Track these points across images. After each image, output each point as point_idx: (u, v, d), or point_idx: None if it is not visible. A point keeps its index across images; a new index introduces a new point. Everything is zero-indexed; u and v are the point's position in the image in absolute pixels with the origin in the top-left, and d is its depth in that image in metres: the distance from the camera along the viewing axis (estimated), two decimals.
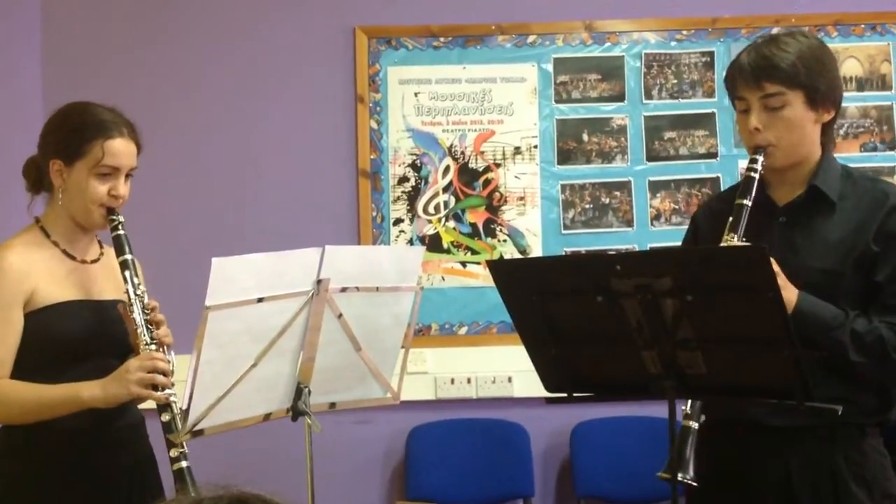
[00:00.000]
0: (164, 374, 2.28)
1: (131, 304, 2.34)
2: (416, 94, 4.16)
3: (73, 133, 2.37)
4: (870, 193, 2.27)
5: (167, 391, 2.27)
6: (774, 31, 3.76)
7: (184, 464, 2.21)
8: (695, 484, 2.03)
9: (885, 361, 2.16)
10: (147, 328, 2.33)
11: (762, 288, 1.92)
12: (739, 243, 2.22)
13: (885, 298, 2.20)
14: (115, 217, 2.40)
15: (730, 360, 2.03)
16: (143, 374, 2.25)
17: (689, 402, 2.20)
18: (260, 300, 2.21)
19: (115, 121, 2.40)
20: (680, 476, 2.02)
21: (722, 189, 2.35)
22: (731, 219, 2.23)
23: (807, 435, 2.20)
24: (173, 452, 2.21)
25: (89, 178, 2.36)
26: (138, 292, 2.36)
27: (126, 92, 3.88)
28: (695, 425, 2.07)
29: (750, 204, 2.22)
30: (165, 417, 2.26)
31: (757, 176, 2.24)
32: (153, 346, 2.31)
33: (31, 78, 4.02)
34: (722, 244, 2.21)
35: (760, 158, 2.24)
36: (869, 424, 2.24)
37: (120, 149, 2.38)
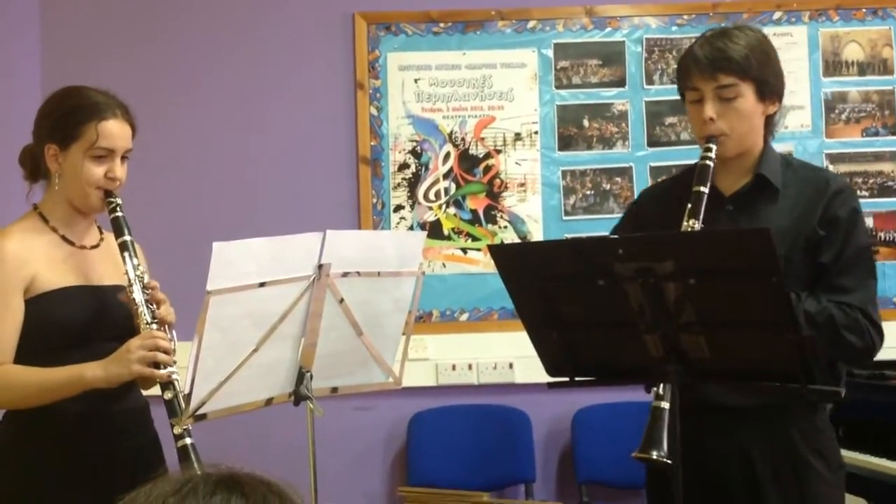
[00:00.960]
0: (166, 352, 2.27)
1: (131, 285, 2.34)
2: (416, 81, 4.15)
3: (66, 116, 2.36)
4: (811, 181, 2.38)
5: (169, 369, 2.26)
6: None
7: (188, 440, 2.20)
8: (669, 461, 2.05)
9: (835, 339, 2.24)
10: (148, 307, 2.33)
11: (765, 271, 1.92)
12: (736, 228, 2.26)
13: (832, 278, 2.29)
14: (112, 199, 2.39)
15: (733, 344, 2.03)
16: (145, 353, 2.25)
17: (662, 384, 2.21)
18: (261, 285, 2.21)
19: (108, 102, 2.39)
20: (655, 455, 2.04)
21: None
22: (689, 206, 2.27)
23: (764, 412, 2.29)
24: (177, 430, 2.20)
25: (85, 161, 2.35)
26: (138, 272, 2.35)
27: (125, 81, 3.86)
28: (666, 405, 2.09)
29: (707, 191, 2.27)
30: (168, 395, 2.25)
31: (712, 164, 2.30)
32: (154, 325, 2.31)
33: (30, 72, 4.01)
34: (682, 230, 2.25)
35: (714, 147, 2.31)
36: (819, 401, 2.34)
37: (114, 130, 2.37)
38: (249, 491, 1.03)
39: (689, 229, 2.23)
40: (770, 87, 2.34)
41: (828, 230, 2.31)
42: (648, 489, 2.53)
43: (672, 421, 2.07)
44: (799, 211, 2.33)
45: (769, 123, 2.41)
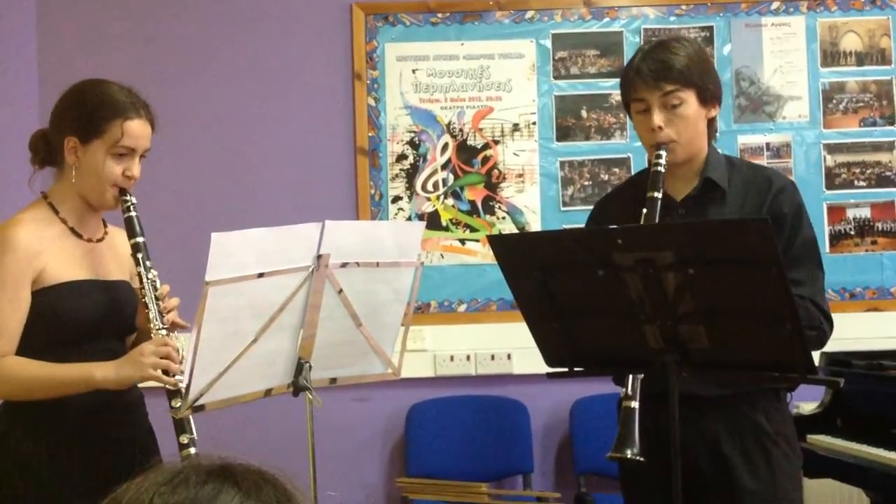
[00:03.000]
0: (176, 360, 2.28)
1: (143, 287, 2.34)
2: (413, 71, 4.14)
3: (91, 112, 2.35)
4: (754, 180, 2.48)
5: (178, 377, 2.26)
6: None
7: (192, 451, 2.21)
8: (642, 459, 2.09)
9: None
10: (160, 312, 2.33)
11: (764, 261, 1.92)
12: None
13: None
14: (127, 198, 2.38)
15: (732, 334, 2.03)
16: (158, 360, 2.25)
17: (629, 383, 2.26)
18: (260, 275, 2.20)
19: (134, 101, 2.39)
20: (629, 454, 2.08)
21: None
22: (644, 211, 2.33)
23: (732, 401, 2.39)
24: (183, 439, 2.21)
25: (105, 158, 2.34)
26: (150, 276, 2.35)
27: (124, 75, 3.86)
28: (635, 405, 2.13)
29: (660, 196, 2.35)
30: (176, 404, 2.25)
31: (664, 170, 2.38)
32: (164, 331, 2.31)
33: (27, 67, 4.00)
34: None
35: (665, 153, 2.39)
36: (782, 389, 2.46)
37: (138, 130, 2.37)
38: (241, 479, 1.03)
39: None
40: (710, 92, 2.44)
41: (774, 225, 2.33)
42: (622, 481, 2.61)
43: (672, 409, 2.08)
44: (746, 210, 2.42)
45: (710, 127, 2.50)
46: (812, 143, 4.11)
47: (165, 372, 2.26)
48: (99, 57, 3.96)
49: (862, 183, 4.11)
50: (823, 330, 2.37)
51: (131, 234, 2.38)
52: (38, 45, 4.08)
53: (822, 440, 3.19)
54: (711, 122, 2.49)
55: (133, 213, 2.38)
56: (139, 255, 2.36)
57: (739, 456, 2.38)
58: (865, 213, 4.10)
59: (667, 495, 2.21)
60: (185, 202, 4.07)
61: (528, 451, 4.03)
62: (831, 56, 4.15)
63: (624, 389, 2.26)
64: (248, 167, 4.11)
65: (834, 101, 4.13)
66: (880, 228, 4.10)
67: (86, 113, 2.35)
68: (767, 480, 2.38)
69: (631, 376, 2.25)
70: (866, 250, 4.08)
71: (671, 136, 2.40)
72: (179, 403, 2.24)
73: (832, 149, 4.12)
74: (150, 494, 1.01)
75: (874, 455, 2.98)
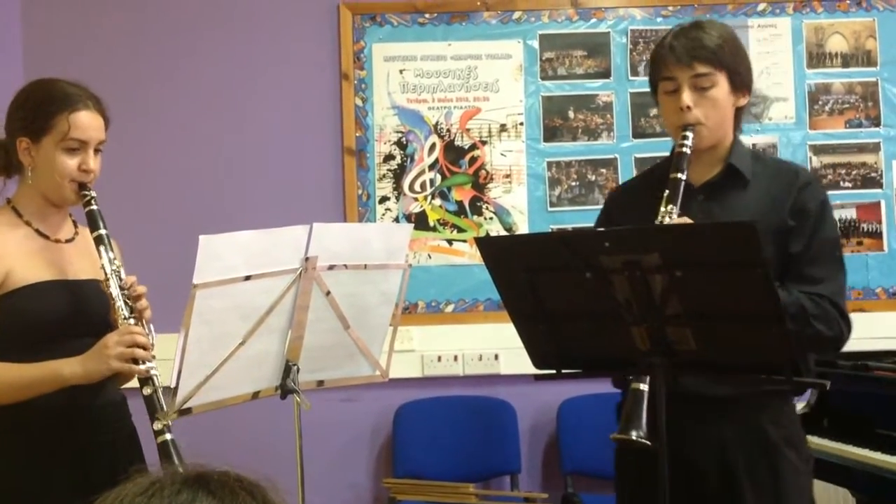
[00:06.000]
0: (144, 347, 2.25)
1: (107, 279, 2.31)
2: (401, 72, 4.14)
3: (37, 108, 2.33)
4: (781, 173, 2.43)
5: (147, 364, 2.24)
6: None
7: (168, 436, 2.17)
8: (648, 442, 2.06)
9: (805, 329, 2.26)
10: (125, 302, 2.31)
11: (750, 263, 1.92)
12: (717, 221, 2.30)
13: (801, 268, 2.33)
14: (87, 192, 2.36)
15: (719, 336, 2.03)
16: (123, 349, 2.23)
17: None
18: (247, 278, 2.20)
19: (80, 94, 2.36)
20: (634, 435, 2.05)
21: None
22: (667, 192, 2.30)
23: (738, 403, 2.32)
24: (157, 425, 2.18)
25: (57, 153, 2.32)
26: (114, 266, 2.33)
27: (111, 73, 3.87)
28: (644, 387, 2.10)
29: (684, 178, 2.31)
30: (147, 391, 2.23)
31: (689, 152, 2.33)
32: (131, 320, 2.29)
33: (12, 67, 3.97)
34: (659, 217, 2.28)
35: (691, 135, 2.34)
36: (790, 392, 2.41)
37: (86, 121, 2.34)
38: (216, 487, 1.04)
39: (668, 215, 2.27)
40: (742, 78, 2.39)
41: (797, 220, 2.34)
42: (618, 478, 2.54)
43: (658, 410, 2.08)
44: (769, 201, 2.37)
45: (738, 116, 2.45)
46: (798, 145, 4.13)
47: (136, 361, 2.23)
48: (86, 60, 3.94)
49: (847, 184, 4.13)
50: (841, 331, 2.32)
51: (93, 227, 2.36)
52: (22, 45, 4.06)
53: (809, 441, 3.19)
54: (739, 112, 2.44)
55: (94, 207, 2.36)
56: (101, 248, 2.34)
57: (744, 468, 2.32)
58: (851, 214, 4.12)
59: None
60: (171, 204, 4.06)
61: (516, 452, 4.03)
62: (817, 57, 4.16)
63: (630, 378, 2.23)
64: (235, 167, 4.11)
65: (820, 103, 4.15)
66: (866, 229, 4.12)
67: (32, 110, 2.34)
68: (771, 494, 2.32)
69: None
70: (852, 251, 4.10)
71: (699, 118, 2.35)
72: (150, 391, 2.22)
73: (818, 150, 4.14)
74: None
75: (860, 455, 2.99)
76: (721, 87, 2.35)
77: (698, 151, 2.38)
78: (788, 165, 2.53)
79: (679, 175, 2.31)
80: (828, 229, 2.38)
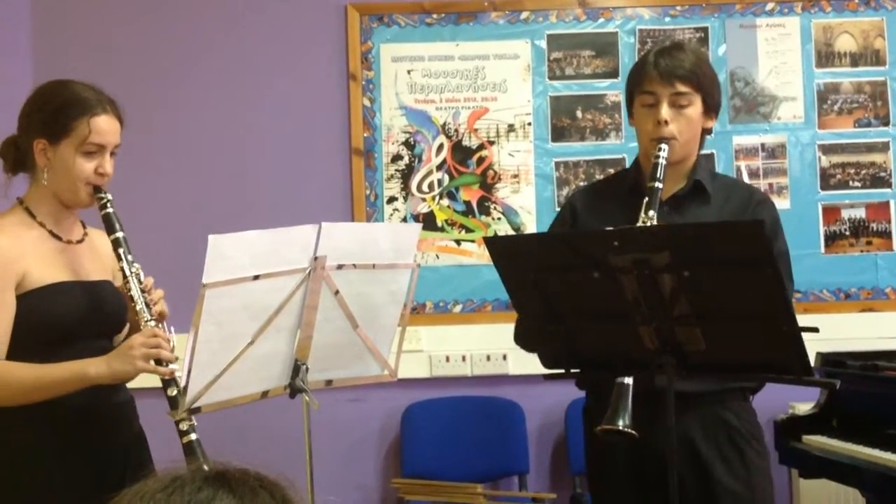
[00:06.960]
0: (167, 349, 2.27)
1: (127, 282, 2.33)
2: (408, 72, 4.14)
3: (57, 111, 2.34)
4: (736, 191, 2.63)
5: (171, 366, 2.27)
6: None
7: (193, 436, 2.20)
8: (634, 433, 2.10)
9: None
10: (147, 305, 2.33)
11: (759, 263, 1.93)
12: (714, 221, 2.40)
13: None
14: (102, 195, 2.38)
15: (728, 336, 2.04)
16: (148, 350, 2.25)
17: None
18: (256, 277, 2.20)
19: (99, 98, 2.38)
20: (621, 424, 2.10)
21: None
22: (646, 200, 2.38)
23: (702, 399, 2.45)
24: (183, 426, 2.20)
25: (76, 157, 2.34)
26: (133, 269, 2.35)
27: (119, 73, 3.87)
28: (629, 381, 2.15)
29: (661, 186, 2.41)
30: (172, 392, 2.25)
31: (665, 162, 2.44)
32: (152, 322, 2.31)
33: (22, 66, 3.98)
34: (640, 222, 2.34)
35: (666, 148, 2.46)
36: (749, 389, 2.54)
37: (105, 126, 2.36)
38: (237, 485, 1.04)
39: (648, 220, 2.34)
40: (714, 102, 2.55)
41: None
42: (589, 474, 2.63)
43: (667, 411, 2.09)
44: (727, 216, 2.51)
45: (703, 137, 2.60)
46: (807, 144, 4.12)
47: (159, 362, 2.25)
48: (95, 60, 3.95)
49: (857, 183, 4.12)
50: None
51: (110, 230, 2.38)
52: (32, 48, 4.08)
53: (818, 441, 3.19)
54: (704, 133, 2.59)
55: (110, 210, 2.38)
56: (120, 251, 2.36)
57: (716, 455, 2.45)
58: (860, 213, 4.11)
59: (639, 495, 2.31)
60: (180, 204, 4.07)
61: (524, 452, 4.03)
62: (826, 57, 4.15)
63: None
64: (243, 168, 4.11)
65: (829, 102, 4.14)
66: (875, 229, 4.11)
67: (52, 113, 2.35)
68: (744, 478, 2.46)
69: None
70: (861, 251, 4.09)
71: (673, 133, 2.47)
72: (175, 392, 2.24)
73: (827, 149, 4.13)
74: (147, 501, 1.02)
75: (870, 455, 2.98)
76: (696, 107, 2.49)
77: (668, 165, 2.47)
78: (742, 184, 2.71)
79: (657, 184, 2.41)
80: (780, 244, 2.50)
